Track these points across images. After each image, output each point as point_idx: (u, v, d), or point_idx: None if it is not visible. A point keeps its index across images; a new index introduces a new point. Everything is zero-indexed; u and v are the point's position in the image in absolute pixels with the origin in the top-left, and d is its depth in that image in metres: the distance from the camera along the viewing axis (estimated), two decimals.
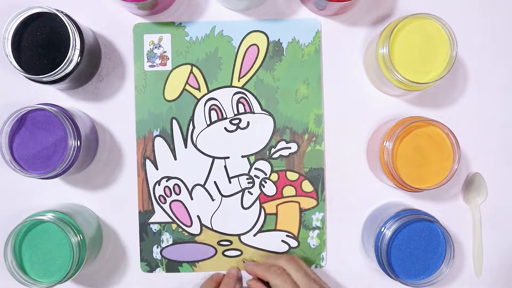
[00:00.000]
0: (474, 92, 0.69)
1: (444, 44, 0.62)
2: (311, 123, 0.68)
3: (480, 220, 0.68)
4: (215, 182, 0.68)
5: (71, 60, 0.59)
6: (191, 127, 0.67)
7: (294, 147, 0.68)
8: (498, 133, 0.69)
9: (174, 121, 0.67)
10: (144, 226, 0.68)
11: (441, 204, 0.69)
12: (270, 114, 0.68)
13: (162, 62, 0.67)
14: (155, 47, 0.67)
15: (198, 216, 0.68)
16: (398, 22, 0.61)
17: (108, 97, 0.68)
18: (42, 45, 0.60)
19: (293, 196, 0.68)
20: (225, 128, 0.67)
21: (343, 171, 0.69)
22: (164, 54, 0.67)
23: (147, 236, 0.68)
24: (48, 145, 0.60)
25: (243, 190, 0.68)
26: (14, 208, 0.67)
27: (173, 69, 0.67)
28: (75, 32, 0.59)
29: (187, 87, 0.67)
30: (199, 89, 0.67)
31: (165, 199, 0.68)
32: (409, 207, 0.66)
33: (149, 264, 0.68)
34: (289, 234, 0.68)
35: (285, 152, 0.68)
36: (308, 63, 0.68)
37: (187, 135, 0.67)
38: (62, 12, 0.59)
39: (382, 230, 0.62)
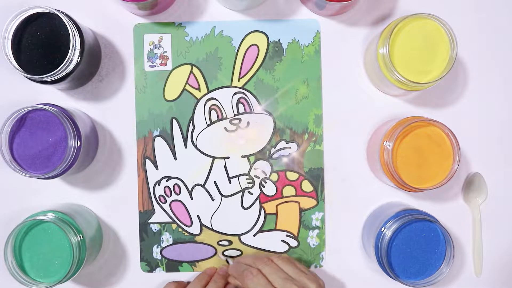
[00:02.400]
0: (474, 92, 0.69)
1: (444, 44, 0.62)
2: (311, 123, 0.68)
3: (480, 220, 0.68)
4: (215, 182, 0.68)
5: (71, 60, 0.59)
6: (191, 127, 0.67)
7: (294, 147, 0.68)
8: (498, 133, 0.69)
9: (174, 121, 0.67)
10: (144, 226, 0.68)
11: (441, 204, 0.69)
12: (270, 114, 0.68)
13: (162, 62, 0.67)
14: (155, 47, 0.67)
15: (198, 216, 0.68)
16: (398, 22, 0.61)
17: (108, 97, 0.68)
18: (42, 45, 0.60)
19: (293, 196, 0.68)
20: (225, 128, 0.67)
21: (343, 171, 0.69)
22: (164, 54, 0.67)
23: (147, 236, 0.68)
24: (48, 145, 0.60)
25: (243, 190, 0.68)
26: (14, 208, 0.67)
27: (173, 69, 0.67)
28: (75, 32, 0.59)
29: (187, 87, 0.67)
30: (199, 89, 0.67)
31: (165, 199, 0.68)
32: (409, 207, 0.66)
33: (149, 264, 0.68)
34: (289, 234, 0.68)
35: (285, 152, 0.68)
36: (308, 63, 0.68)
37: (187, 135, 0.67)
38: (62, 12, 0.59)
39: (382, 230, 0.62)
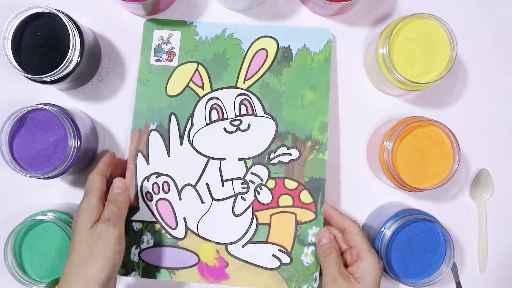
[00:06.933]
0: (474, 92, 0.69)
1: (444, 44, 0.62)
2: (316, 130, 0.64)
3: (486, 217, 0.68)
4: (207, 183, 0.64)
5: (71, 60, 0.59)
6: (189, 124, 0.65)
7: (295, 153, 0.64)
8: (498, 133, 0.69)
9: (172, 116, 0.65)
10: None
11: (441, 204, 0.69)
12: (273, 118, 0.65)
13: (169, 57, 0.66)
14: (164, 43, 0.66)
15: (184, 218, 0.63)
16: (398, 22, 0.61)
17: (108, 97, 0.68)
18: (42, 45, 0.60)
19: (289, 206, 0.63)
20: (225, 129, 0.65)
21: (343, 172, 0.69)
22: (171, 50, 0.66)
23: (127, 234, 0.63)
24: (48, 145, 0.60)
25: (236, 195, 0.64)
26: (14, 208, 0.67)
27: (178, 65, 0.66)
28: (75, 32, 0.59)
29: (191, 84, 0.65)
30: (202, 87, 0.66)
31: (152, 196, 0.63)
32: (409, 207, 0.66)
33: (125, 266, 0.62)
34: (281, 249, 0.63)
35: (285, 159, 0.64)
36: (317, 70, 0.65)
37: (184, 132, 0.65)
38: (62, 12, 0.59)
39: (382, 230, 0.62)
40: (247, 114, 0.65)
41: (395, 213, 0.63)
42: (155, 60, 0.66)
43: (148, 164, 0.64)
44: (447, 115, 0.68)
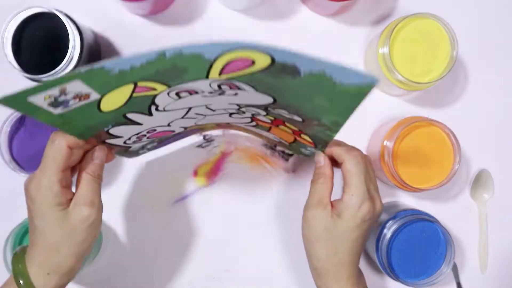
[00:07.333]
0: (474, 92, 0.69)
1: (444, 44, 0.61)
2: (324, 119, 0.45)
3: (487, 217, 0.68)
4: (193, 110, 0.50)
5: (71, 60, 0.59)
6: (153, 108, 0.46)
7: (298, 119, 0.48)
8: (499, 133, 0.69)
9: (128, 113, 0.46)
10: (133, 153, 0.59)
11: (441, 204, 0.69)
12: (270, 95, 0.44)
13: (82, 98, 0.41)
14: (60, 96, 0.40)
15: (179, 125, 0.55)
16: (398, 22, 0.61)
17: None
18: (42, 45, 0.60)
19: (289, 133, 0.53)
20: (202, 94, 0.45)
21: None
22: (79, 94, 0.40)
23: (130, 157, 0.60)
24: None
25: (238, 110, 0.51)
26: (13, 208, 0.67)
27: (103, 95, 0.41)
28: (75, 32, 0.59)
29: (135, 94, 0.42)
30: (154, 89, 0.42)
31: (140, 139, 0.54)
32: (409, 207, 0.66)
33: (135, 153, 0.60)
34: (282, 141, 0.58)
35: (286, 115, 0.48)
36: (342, 96, 0.43)
37: (150, 112, 0.47)
38: (62, 12, 0.59)
39: (382, 230, 0.62)
40: (231, 89, 0.43)
41: (395, 213, 0.63)
42: (63, 108, 0.41)
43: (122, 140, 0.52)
44: (447, 115, 0.68)
